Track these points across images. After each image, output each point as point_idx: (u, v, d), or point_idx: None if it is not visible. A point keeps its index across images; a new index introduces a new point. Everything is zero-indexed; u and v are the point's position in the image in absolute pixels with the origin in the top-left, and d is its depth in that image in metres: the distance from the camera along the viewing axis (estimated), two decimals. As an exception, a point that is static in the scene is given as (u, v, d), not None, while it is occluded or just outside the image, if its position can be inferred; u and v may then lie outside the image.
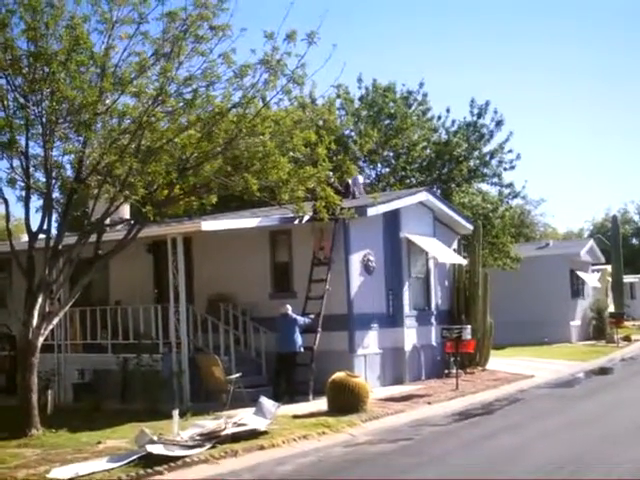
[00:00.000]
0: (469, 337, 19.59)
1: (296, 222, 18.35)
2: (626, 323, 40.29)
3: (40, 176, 14.15)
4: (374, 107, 33.15)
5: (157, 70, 13.59)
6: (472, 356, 22.27)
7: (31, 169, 13.90)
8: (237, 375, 16.24)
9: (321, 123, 16.95)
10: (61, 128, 13.70)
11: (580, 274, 37.86)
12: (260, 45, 13.74)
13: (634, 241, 78.84)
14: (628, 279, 52.38)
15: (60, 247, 14.40)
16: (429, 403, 16.98)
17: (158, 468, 10.56)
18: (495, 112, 33.20)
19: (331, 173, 17.54)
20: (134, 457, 10.96)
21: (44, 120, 13.42)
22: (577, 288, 37.93)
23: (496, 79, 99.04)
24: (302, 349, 17.64)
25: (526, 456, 11.48)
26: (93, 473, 10.27)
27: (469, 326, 20.28)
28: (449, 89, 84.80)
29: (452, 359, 20.97)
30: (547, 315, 34.55)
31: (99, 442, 12.52)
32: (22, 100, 13.37)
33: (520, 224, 44.76)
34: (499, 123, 33.14)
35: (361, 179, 22.47)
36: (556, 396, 19.36)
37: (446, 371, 21.68)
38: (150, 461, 10.75)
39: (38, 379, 14.22)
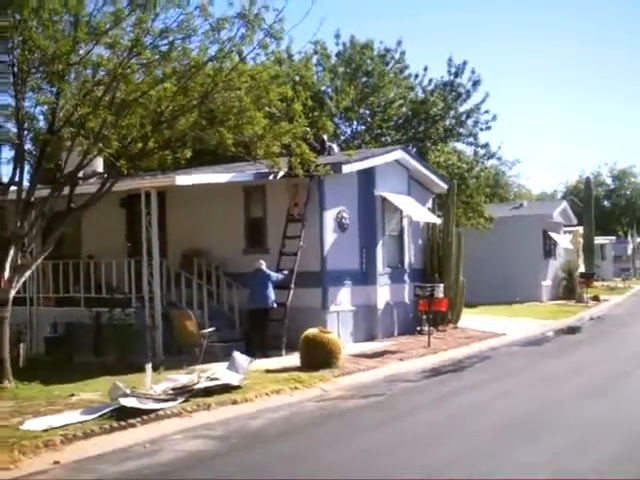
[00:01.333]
0: (442, 295, 19.77)
1: (271, 177, 18.27)
2: (595, 283, 40.95)
3: (12, 127, 13.96)
4: (351, 64, 32.93)
5: (132, 21, 13.34)
6: (444, 314, 22.44)
7: (2, 119, 13.71)
8: (210, 329, 16.22)
9: (298, 79, 16.84)
10: (33, 78, 13.46)
11: (552, 235, 38.20)
12: (237, -2, 13.55)
13: (606, 203, 79.79)
14: (599, 241, 53.08)
15: (32, 199, 14.26)
16: (401, 360, 17.15)
17: (131, 421, 10.60)
18: (472, 72, 33.05)
19: (309, 129, 17.45)
20: (107, 410, 10.99)
21: (15, 69, 13.17)
22: (549, 249, 38.30)
23: (474, 42, 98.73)
24: (275, 305, 17.68)
25: (489, 413, 11.68)
26: (66, 425, 10.28)
27: (442, 284, 20.47)
28: (427, 52, 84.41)
29: (424, 317, 21.16)
30: (519, 275, 34.96)
31: (72, 395, 12.51)
32: (-8, 48, 13.10)
33: (495, 184, 44.96)
34: (476, 83, 32.99)
35: (336, 148, 22.11)
36: (526, 354, 19.65)
37: (418, 328, 21.88)
38: (123, 414, 10.78)
39: (10, 332, 14.16)
